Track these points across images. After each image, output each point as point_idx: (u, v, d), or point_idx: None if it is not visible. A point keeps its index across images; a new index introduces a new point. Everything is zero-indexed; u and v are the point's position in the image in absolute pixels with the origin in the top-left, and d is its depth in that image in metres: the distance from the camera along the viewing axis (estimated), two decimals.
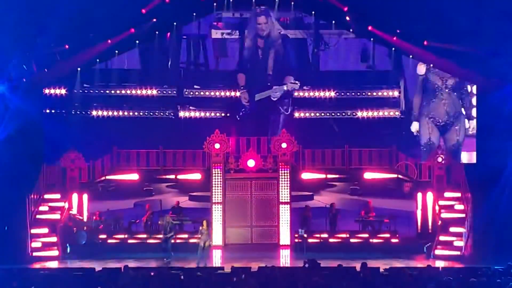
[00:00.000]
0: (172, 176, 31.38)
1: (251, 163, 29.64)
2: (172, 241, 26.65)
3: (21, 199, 26.73)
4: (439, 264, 25.30)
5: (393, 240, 28.27)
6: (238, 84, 33.92)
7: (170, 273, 19.48)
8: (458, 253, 26.70)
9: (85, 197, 29.47)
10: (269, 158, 29.80)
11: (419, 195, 29.27)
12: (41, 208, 28.01)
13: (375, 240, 28.31)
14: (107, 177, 30.80)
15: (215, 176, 29.59)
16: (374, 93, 33.73)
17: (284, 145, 29.42)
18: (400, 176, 30.63)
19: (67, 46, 27.10)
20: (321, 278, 17.71)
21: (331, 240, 28.40)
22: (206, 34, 34.79)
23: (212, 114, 33.90)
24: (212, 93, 33.99)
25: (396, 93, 33.75)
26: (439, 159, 29.29)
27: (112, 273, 19.90)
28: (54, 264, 26.00)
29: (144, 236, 28.66)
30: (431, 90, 33.00)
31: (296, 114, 33.59)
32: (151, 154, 30.92)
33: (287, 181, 29.48)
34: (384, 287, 17.30)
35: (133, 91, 33.54)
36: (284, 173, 29.49)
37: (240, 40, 34.41)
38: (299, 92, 33.61)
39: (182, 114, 33.83)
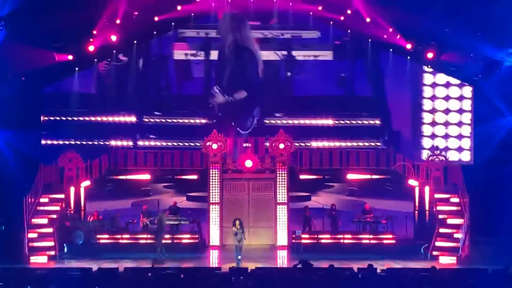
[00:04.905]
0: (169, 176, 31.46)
1: (248, 163, 29.61)
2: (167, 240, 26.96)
3: (19, 199, 26.69)
4: (436, 265, 25.28)
5: (390, 241, 28.24)
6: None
7: (167, 274, 19.46)
8: (455, 254, 26.67)
9: (82, 196, 29.44)
10: (267, 159, 29.76)
11: (416, 189, 29.26)
12: (38, 208, 27.90)
13: (372, 241, 28.29)
14: (117, 177, 30.48)
15: (212, 176, 29.57)
16: (353, 121, 32.76)
17: (281, 145, 29.39)
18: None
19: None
20: (318, 279, 17.70)
21: (328, 241, 28.37)
22: (168, 54, 32.51)
23: (174, 143, 32.61)
24: (175, 121, 32.66)
25: (377, 122, 33.13)
26: (436, 160, 29.28)
27: (109, 273, 19.88)
28: (51, 264, 25.98)
29: (141, 236, 28.62)
30: None
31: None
32: (149, 155, 30.89)
33: (284, 181, 29.45)
34: None
35: (87, 118, 32.38)
36: (282, 173, 29.46)
37: (205, 61, 31.89)
38: (271, 119, 32.50)
39: (141, 143, 32.76)
